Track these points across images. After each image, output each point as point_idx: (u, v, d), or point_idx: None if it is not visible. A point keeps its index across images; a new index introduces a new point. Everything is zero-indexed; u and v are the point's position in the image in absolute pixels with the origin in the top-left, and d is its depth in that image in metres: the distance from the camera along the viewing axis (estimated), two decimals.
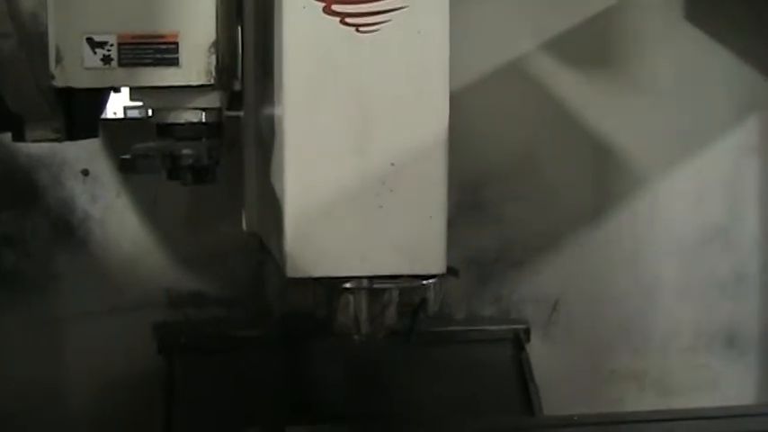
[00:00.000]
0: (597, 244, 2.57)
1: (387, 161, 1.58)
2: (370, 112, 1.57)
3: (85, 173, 2.36)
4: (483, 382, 2.42)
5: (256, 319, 2.37)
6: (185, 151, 1.54)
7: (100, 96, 1.81)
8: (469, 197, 2.47)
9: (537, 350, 2.51)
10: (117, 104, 3.02)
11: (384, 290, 1.62)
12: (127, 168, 1.54)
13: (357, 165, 1.58)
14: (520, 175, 2.52)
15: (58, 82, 1.56)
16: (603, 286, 2.59)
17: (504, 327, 2.51)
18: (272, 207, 1.71)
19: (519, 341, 2.49)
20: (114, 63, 1.56)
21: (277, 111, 1.63)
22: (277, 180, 1.66)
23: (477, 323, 2.51)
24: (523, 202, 2.53)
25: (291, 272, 1.58)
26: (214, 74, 1.56)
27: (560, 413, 2.41)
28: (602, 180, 2.57)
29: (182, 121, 1.62)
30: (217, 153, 1.63)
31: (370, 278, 1.61)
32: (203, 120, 1.63)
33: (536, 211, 2.53)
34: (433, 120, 1.58)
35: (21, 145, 2.27)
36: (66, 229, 2.36)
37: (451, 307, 2.49)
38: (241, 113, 1.97)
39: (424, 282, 1.63)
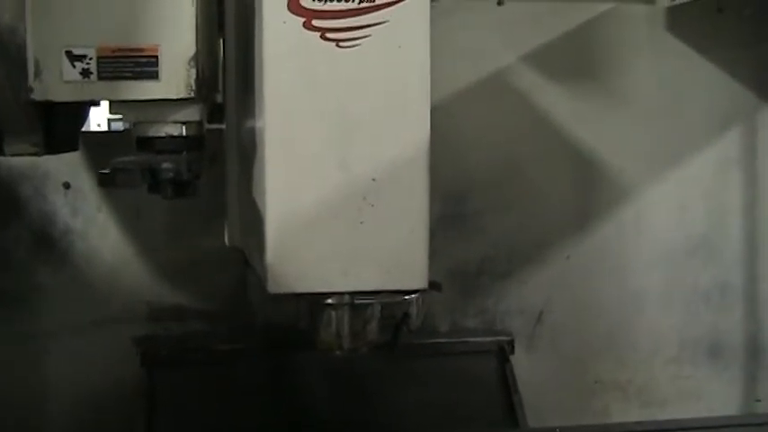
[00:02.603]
0: (582, 255, 2.57)
1: (368, 176, 1.57)
2: (351, 127, 1.56)
3: (67, 186, 2.34)
4: (467, 393, 2.41)
5: (239, 333, 2.36)
6: (165, 165, 1.53)
7: (80, 110, 1.79)
8: (453, 208, 2.47)
9: (521, 361, 2.50)
10: (101, 116, 3.01)
11: (366, 305, 1.61)
12: (106, 183, 1.53)
13: (338, 180, 1.57)
14: (504, 186, 2.52)
15: (37, 95, 1.54)
16: (588, 297, 2.58)
17: (488, 338, 2.50)
18: (254, 221, 1.70)
19: (503, 353, 2.48)
20: (94, 76, 1.54)
21: (258, 124, 1.62)
22: (258, 194, 1.65)
23: (461, 335, 2.50)
24: (508, 213, 2.52)
25: (273, 287, 1.58)
26: (194, 87, 1.55)
27: (545, 424, 2.43)
28: (587, 191, 2.58)
29: (162, 134, 1.61)
30: (197, 167, 1.62)
31: (352, 294, 1.60)
32: (183, 133, 1.62)
33: (520, 223, 2.53)
34: (415, 135, 1.58)
35: (1, 158, 2.26)
36: (48, 242, 2.34)
37: (435, 319, 2.48)
38: (223, 126, 1.96)
39: (406, 297, 1.62)
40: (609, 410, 2.60)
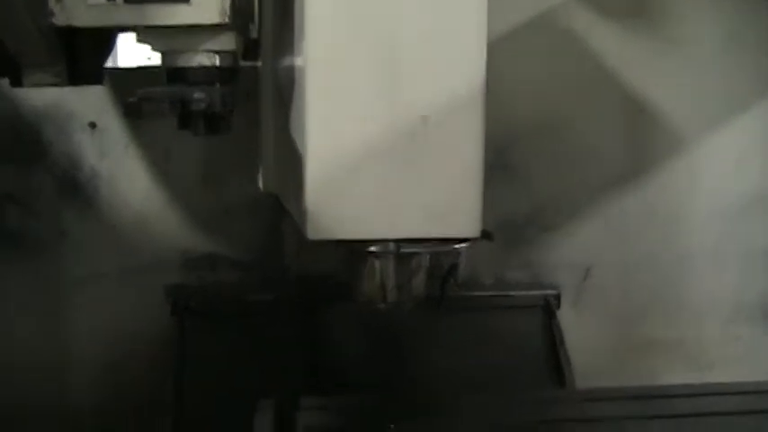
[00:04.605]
0: (633, 208, 2.45)
1: (417, 113, 1.44)
2: (399, 59, 1.43)
3: (93, 126, 2.24)
4: (511, 350, 2.30)
5: (273, 283, 2.27)
6: (197, 95, 1.41)
7: (105, 37, 1.67)
8: (499, 158, 2.35)
9: (567, 318, 2.39)
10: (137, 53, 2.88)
11: (413, 255, 1.50)
12: (132, 113, 1.41)
13: (385, 117, 1.44)
14: (551, 134, 2.38)
15: (58, 20, 1.41)
16: (638, 253, 2.46)
17: (533, 292, 2.39)
18: (292, 164, 1.59)
19: (549, 308, 2.37)
20: (120, 0, 1.42)
21: (298, 60, 1.49)
22: (298, 135, 1.53)
23: (505, 288, 2.39)
24: (555, 163, 2.40)
25: (312, 234, 1.46)
26: (228, 12, 1.41)
27: (588, 383, 2.31)
28: (639, 142, 2.44)
29: (194, 64, 1.48)
30: (231, 100, 1.49)
31: (398, 242, 1.48)
32: (217, 63, 1.49)
33: (568, 174, 2.41)
34: (470, 68, 1.44)
35: (24, 96, 2.17)
36: (73, 186, 2.25)
37: (480, 272, 2.38)
38: (258, 63, 1.84)
39: (457, 246, 1.50)
40: (656, 371, 2.50)
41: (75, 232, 2.26)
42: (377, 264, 1.50)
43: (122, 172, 2.26)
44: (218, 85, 1.46)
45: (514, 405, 1.80)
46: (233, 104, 1.50)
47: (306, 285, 2.24)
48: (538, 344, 2.32)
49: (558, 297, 2.39)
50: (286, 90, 1.66)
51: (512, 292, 2.38)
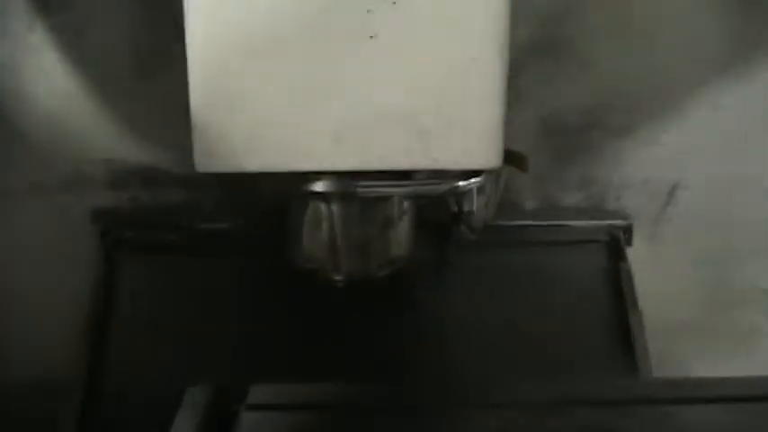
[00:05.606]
0: (732, 106, 1.84)
1: None
2: None
3: None
4: (562, 304, 1.73)
5: (231, 206, 1.72)
6: None
7: None
8: (545, 33, 1.74)
9: (641, 257, 1.82)
10: None
11: (382, 199, 0.89)
12: None
13: None
14: (618, 2, 1.76)
15: None
16: (740, 168, 1.87)
17: (595, 222, 1.81)
18: None
19: (617, 245, 1.79)
20: None
21: None
22: None
23: (555, 217, 1.81)
24: (624, 42, 1.78)
25: (203, 163, 0.88)
26: None
27: (667, 347, 1.77)
28: (746, 11, 1.80)
29: None
30: None
31: (355, 175, 0.87)
32: None
33: (643, 57, 1.79)
34: None
35: None
36: None
37: (518, 192, 1.79)
38: None
39: (461, 183, 0.90)
40: (758, 331, 1.93)
41: None
42: (323, 210, 0.89)
43: (27, 58, 1.69)
44: None
45: (565, 406, 1.23)
46: None
47: (277, 208, 1.67)
48: (599, 294, 1.75)
49: (628, 229, 1.82)
50: None
51: (564, 222, 1.81)
